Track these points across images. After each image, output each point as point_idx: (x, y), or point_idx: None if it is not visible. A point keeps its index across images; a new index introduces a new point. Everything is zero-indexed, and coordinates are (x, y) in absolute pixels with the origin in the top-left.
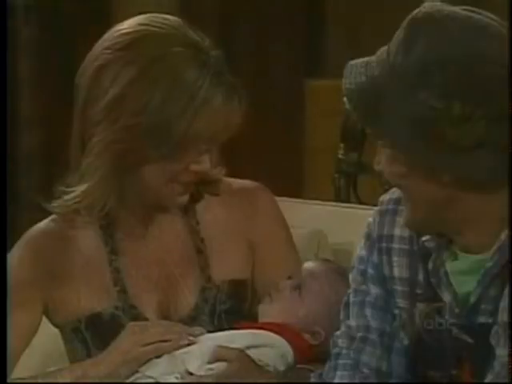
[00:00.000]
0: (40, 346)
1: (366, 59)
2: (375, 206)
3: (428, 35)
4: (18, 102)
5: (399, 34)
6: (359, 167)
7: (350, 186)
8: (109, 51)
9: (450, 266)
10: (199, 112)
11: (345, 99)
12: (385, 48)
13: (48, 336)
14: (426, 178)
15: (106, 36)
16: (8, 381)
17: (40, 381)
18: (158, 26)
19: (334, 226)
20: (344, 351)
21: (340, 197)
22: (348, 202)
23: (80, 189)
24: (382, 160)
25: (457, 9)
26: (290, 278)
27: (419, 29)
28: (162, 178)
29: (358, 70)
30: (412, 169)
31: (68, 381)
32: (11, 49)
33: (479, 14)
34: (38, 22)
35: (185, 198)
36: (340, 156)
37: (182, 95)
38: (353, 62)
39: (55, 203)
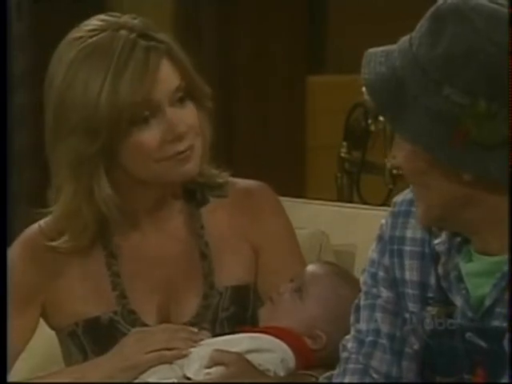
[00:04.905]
0: (39, 349)
1: (385, 48)
2: (379, 206)
3: (453, 28)
4: (9, 100)
5: (423, 25)
6: (363, 166)
7: (353, 186)
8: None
9: (464, 267)
10: (121, 77)
11: (363, 89)
12: (406, 38)
13: (47, 338)
14: (446, 175)
15: None
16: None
17: (39, 381)
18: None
19: (337, 226)
20: (353, 356)
21: (343, 197)
22: (351, 201)
23: (55, 214)
24: (399, 155)
25: (483, 0)
26: (292, 280)
27: (444, 21)
28: (142, 157)
29: (377, 59)
30: (432, 166)
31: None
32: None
33: (506, 7)
34: (30, 19)
35: (189, 167)
36: (343, 154)
37: (100, 64)
38: (371, 51)
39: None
